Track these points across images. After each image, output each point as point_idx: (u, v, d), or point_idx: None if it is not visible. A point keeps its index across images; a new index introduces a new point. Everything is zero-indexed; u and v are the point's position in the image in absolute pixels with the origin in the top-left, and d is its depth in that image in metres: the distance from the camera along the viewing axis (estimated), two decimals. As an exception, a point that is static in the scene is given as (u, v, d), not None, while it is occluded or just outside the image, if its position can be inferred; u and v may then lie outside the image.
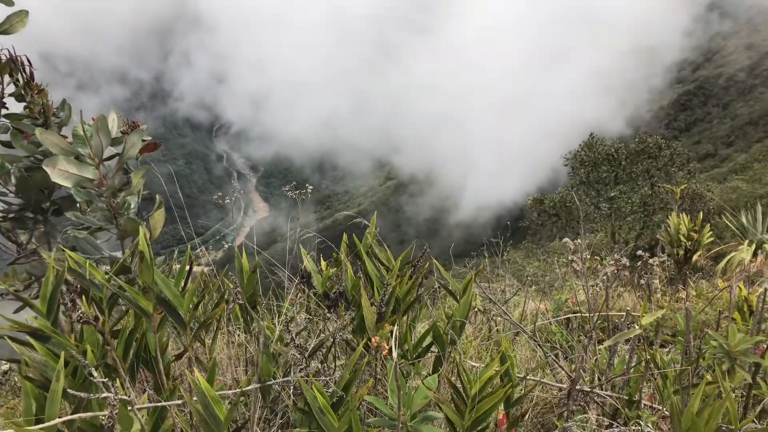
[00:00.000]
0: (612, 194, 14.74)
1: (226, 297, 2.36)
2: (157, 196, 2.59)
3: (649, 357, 2.67)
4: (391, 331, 2.34)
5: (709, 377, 2.81)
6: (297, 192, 3.66)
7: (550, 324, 4.10)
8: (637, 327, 2.57)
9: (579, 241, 2.71)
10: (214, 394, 1.78)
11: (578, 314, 3.27)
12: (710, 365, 3.47)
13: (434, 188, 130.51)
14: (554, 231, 16.31)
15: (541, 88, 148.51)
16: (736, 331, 3.23)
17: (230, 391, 2.03)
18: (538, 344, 3.00)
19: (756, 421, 3.15)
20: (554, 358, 3.02)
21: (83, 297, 1.99)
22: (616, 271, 2.49)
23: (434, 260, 2.65)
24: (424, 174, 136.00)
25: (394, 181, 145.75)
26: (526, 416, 2.83)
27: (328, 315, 2.45)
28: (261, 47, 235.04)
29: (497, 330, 4.06)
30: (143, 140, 2.85)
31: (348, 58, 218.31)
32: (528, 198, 16.48)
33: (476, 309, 3.71)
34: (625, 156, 15.42)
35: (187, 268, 2.23)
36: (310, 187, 3.52)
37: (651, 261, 2.67)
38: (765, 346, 3.38)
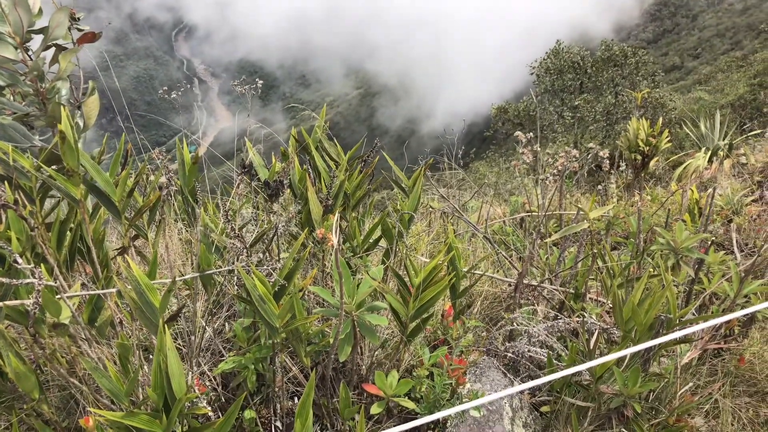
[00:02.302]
0: (576, 103, 14.69)
1: (158, 185, 2.28)
2: (90, 82, 2.43)
3: (596, 252, 2.71)
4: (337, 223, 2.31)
5: (651, 270, 2.89)
6: (247, 87, 3.50)
7: (504, 224, 4.14)
8: (585, 222, 2.59)
9: (537, 146, 2.67)
10: (148, 281, 1.74)
11: (530, 214, 3.29)
12: (657, 264, 3.58)
13: (408, 96, 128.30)
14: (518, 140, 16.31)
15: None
16: (683, 229, 3.30)
17: (167, 280, 1.99)
18: (489, 241, 3.02)
19: (695, 313, 3.29)
20: (504, 254, 3.05)
21: (6, 183, 1.89)
22: (566, 164, 2.46)
23: (385, 155, 2.59)
24: (397, 81, 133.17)
25: (360, 90, 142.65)
26: (474, 308, 2.89)
27: (273, 207, 2.40)
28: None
29: (454, 231, 4.09)
30: (79, 29, 2.65)
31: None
32: (492, 107, 16.33)
33: (430, 209, 3.71)
34: (591, 64, 15.27)
35: (123, 155, 2.13)
36: (260, 81, 3.36)
37: (603, 156, 2.65)
38: (709, 243, 3.47)
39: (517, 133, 2.55)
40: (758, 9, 79.41)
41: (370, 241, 2.59)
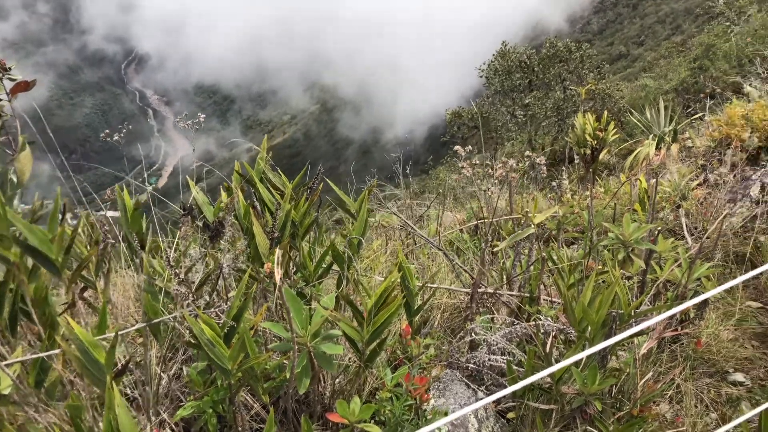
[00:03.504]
0: (527, 101, 14.97)
1: (95, 237, 2.25)
2: (21, 137, 2.39)
3: (545, 255, 2.76)
4: (282, 255, 2.32)
5: (600, 267, 2.96)
6: (190, 122, 3.48)
7: (462, 232, 4.19)
8: (531, 227, 2.64)
9: (483, 153, 2.72)
10: (91, 338, 1.72)
11: (483, 221, 3.34)
12: (610, 257, 3.66)
13: (369, 106, 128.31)
14: (475, 143, 16.57)
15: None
16: (630, 221, 3.38)
17: (110, 334, 1.97)
18: (444, 253, 3.05)
19: (649, 303, 3.37)
20: (459, 264, 3.09)
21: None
22: (505, 174, 2.51)
23: (328, 181, 2.60)
24: (357, 92, 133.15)
25: (319, 104, 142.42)
26: (433, 322, 2.91)
27: (220, 247, 2.39)
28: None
29: (414, 244, 4.12)
30: (11, 79, 2.61)
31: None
32: (446, 112, 16.53)
33: (387, 226, 3.73)
34: (537, 62, 15.59)
35: (60, 209, 2.10)
36: (202, 116, 3.35)
37: (540, 163, 2.71)
38: (657, 232, 3.56)
39: (456, 147, 2.59)
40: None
41: (323, 267, 2.60)
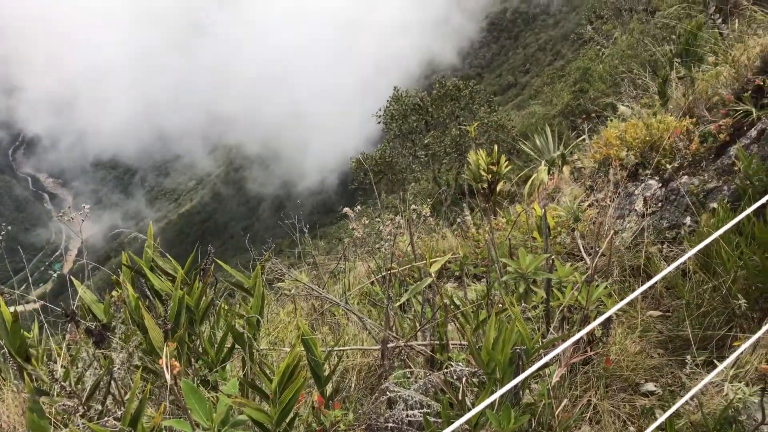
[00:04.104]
0: (426, 141, 15.54)
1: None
2: None
3: (447, 300, 2.81)
4: (177, 348, 2.22)
5: (500, 306, 3.04)
6: (77, 213, 3.34)
7: (372, 285, 4.20)
8: (430, 277, 2.68)
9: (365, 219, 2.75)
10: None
11: (389, 272, 3.36)
12: (513, 290, 3.77)
13: (278, 160, 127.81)
14: (382, 187, 16.90)
15: (366, 28, 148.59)
16: (525, 254, 3.51)
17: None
18: (353, 312, 3.04)
19: (554, 332, 3.49)
20: (370, 322, 3.08)
21: None
22: (392, 230, 2.56)
23: (218, 261, 2.55)
24: (263, 148, 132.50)
25: (224, 166, 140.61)
26: (350, 385, 2.88)
27: (113, 346, 2.27)
28: (52, 43, 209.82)
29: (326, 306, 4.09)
30: None
31: (156, 41, 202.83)
32: (351, 160, 16.80)
33: (291, 293, 3.69)
34: (430, 103, 16.25)
35: None
36: (87, 207, 3.22)
37: (425, 214, 2.78)
38: (551, 261, 3.70)
39: (345, 209, 2.62)
40: (566, 20, 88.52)
41: (225, 350, 2.52)
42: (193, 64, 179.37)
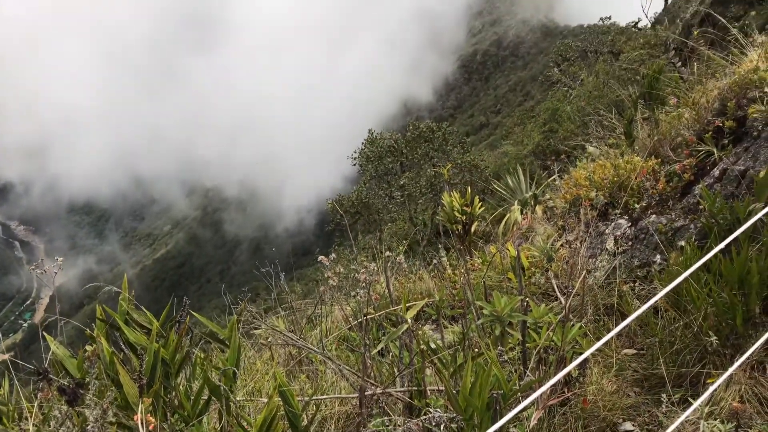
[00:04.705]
0: (402, 182, 15.77)
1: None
2: None
3: (424, 346, 2.83)
4: (152, 403, 2.20)
5: (476, 350, 3.06)
6: (50, 265, 3.31)
7: (350, 331, 4.19)
8: (406, 323, 2.71)
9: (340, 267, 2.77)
10: None
11: (367, 317, 3.37)
12: (489, 332, 3.79)
13: (255, 202, 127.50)
14: (359, 227, 17.02)
15: (339, 72, 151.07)
16: (501, 296, 3.55)
17: None
18: (331, 360, 3.03)
19: (531, 374, 3.50)
20: (348, 368, 3.07)
21: None
22: (367, 278, 2.59)
23: (194, 313, 2.54)
24: (240, 190, 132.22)
25: (200, 209, 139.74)
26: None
27: (87, 402, 2.24)
28: (25, 89, 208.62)
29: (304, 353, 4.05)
30: None
31: (130, 87, 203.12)
32: (327, 202, 16.93)
33: (269, 342, 3.67)
34: (404, 144, 16.56)
35: None
36: (60, 259, 3.19)
37: (400, 261, 2.82)
38: (525, 303, 3.75)
39: (320, 258, 2.64)
40: (535, 62, 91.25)
41: (201, 403, 2.50)
42: (167, 109, 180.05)
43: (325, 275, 2.64)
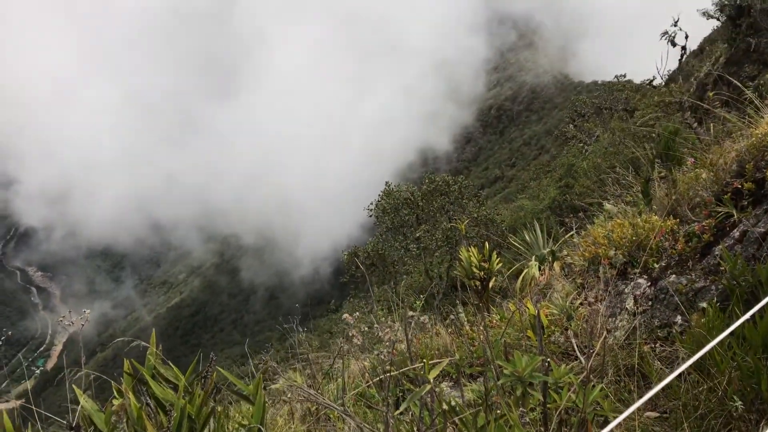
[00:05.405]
0: (417, 234, 15.83)
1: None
2: None
3: (446, 407, 2.83)
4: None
5: (498, 412, 3.05)
6: (76, 318, 3.38)
7: (368, 387, 4.18)
8: (428, 384, 2.72)
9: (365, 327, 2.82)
10: None
11: (386, 374, 3.38)
12: (507, 396, 3.77)
13: (272, 249, 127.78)
14: (374, 278, 17.02)
15: (357, 120, 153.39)
16: (521, 355, 3.55)
17: None
18: (351, 417, 3.04)
19: (552, 436, 3.46)
20: (368, 428, 3.07)
21: None
22: (391, 337, 2.62)
23: (220, 369, 2.58)
24: (257, 238, 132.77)
25: (216, 258, 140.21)
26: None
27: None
28: (48, 138, 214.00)
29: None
30: None
31: (149, 133, 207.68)
32: (343, 254, 17.03)
33: (289, 398, 3.67)
34: (420, 197, 16.71)
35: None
36: (87, 311, 3.27)
37: (422, 320, 2.86)
38: (547, 363, 3.73)
39: (345, 315, 2.69)
40: (549, 116, 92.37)
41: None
42: (186, 155, 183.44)
43: (350, 333, 2.68)
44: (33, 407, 3.36)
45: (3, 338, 3.49)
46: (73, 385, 2.58)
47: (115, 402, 2.72)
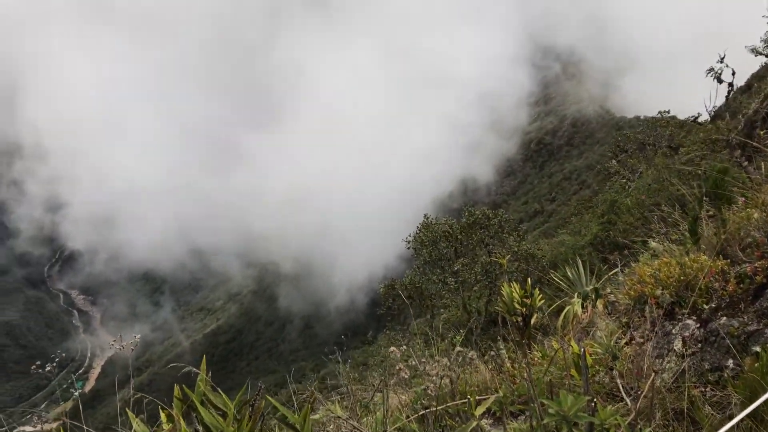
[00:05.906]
0: (456, 268, 15.70)
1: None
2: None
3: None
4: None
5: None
6: (124, 344, 3.49)
7: (409, 422, 4.15)
8: (474, 420, 2.70)
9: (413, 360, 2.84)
10: None
11: (428, 410, 3.37)
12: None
13: (309, 277, 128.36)
14: (412, 312, 16.90)
15: (398, 149, 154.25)
16: (567, 395, 3.50)
17: None
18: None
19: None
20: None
21: None
22: (439, 373, 2.62)
23: (269, 398, 2.63)
24: (294, 265, 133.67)
25: (254, 285, 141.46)
26: None
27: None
28: (98, 163, 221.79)
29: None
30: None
31: (193, 162, 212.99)
32: (380, 286, 16.99)
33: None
34: (459, 230, 16.61)
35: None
36: (138, 336, 3.37)
37: (470, 356, 2.86)
38: (593, 404, 3.66)
39: (392, 348, 2.71)
40: (591, 151, 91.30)
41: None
42: (228, 184, 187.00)
43: (397, 367, 2.70)
44: (83, 425, 3.45)
45: (56, 360, 3.61)
46: (126, 409, 2.66)
47: (165, 427, 2.78)
